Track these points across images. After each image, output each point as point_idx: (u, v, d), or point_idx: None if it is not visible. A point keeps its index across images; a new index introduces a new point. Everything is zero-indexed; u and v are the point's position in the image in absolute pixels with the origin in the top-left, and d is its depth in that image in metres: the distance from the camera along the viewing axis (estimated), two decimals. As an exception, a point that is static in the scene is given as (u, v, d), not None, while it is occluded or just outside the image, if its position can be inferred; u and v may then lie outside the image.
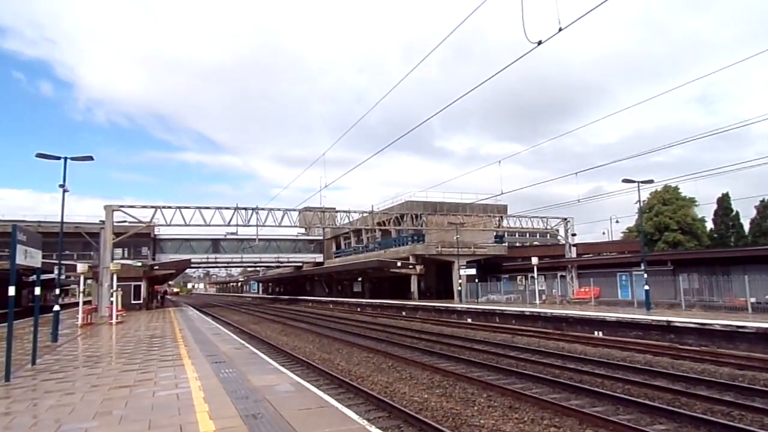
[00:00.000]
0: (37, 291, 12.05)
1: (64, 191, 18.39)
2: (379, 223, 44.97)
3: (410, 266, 42.22)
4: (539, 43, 8.27)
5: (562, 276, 38.51)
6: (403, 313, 34.79)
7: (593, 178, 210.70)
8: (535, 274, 33.13)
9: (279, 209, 39.33)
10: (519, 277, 40.16)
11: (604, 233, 69.71)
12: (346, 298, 51.74)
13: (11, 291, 9.25)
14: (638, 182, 25.54)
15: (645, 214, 49.20)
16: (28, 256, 9.78)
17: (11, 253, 9.18)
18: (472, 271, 38.15)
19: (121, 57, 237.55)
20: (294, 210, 41.02)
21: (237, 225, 38.29)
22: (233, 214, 37.74)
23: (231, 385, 8.14)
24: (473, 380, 11.66)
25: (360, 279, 55.09)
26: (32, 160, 17.28)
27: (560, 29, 8.26)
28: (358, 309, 42.25)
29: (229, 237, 52.18)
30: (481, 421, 8.65)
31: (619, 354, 15.12)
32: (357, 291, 55.86)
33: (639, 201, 30.48)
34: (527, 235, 76.97)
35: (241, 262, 62.96)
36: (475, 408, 9.59)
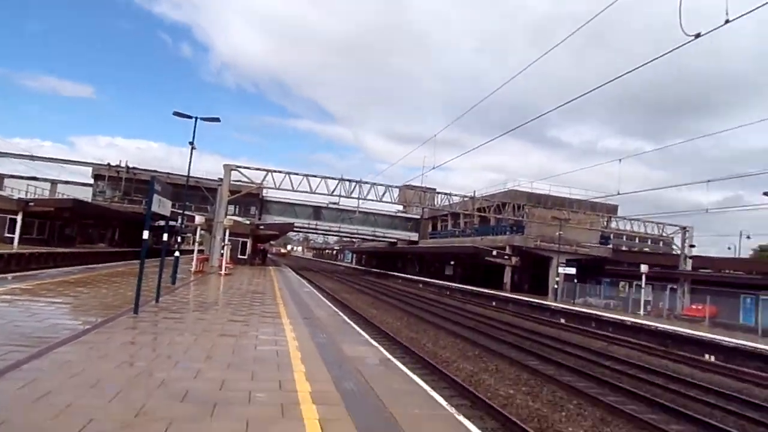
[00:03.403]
0: (165, 237, 13.37)
1: (192, 148, 20.08)
2: (478, 209, 44.17)
3: (506, 257, 41.18)
4: (697, 35, 7.34)
5: (672, 288, 35.43)
6: (493, 303, 34.14)
7: (729, 186, 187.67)
8: (643, 283, 30.80)
9: (381, 184, 40.07)
10: (622, 284, 37.59)
11: (729, 248, 62.78)
12: (437, 279, 51.81)
13: (145, 235, 10.33)
14: (781, 196, 22.59)
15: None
16: (161, 205, 10.84)
17: (148, 201, 10.23)
18: (572, 271, 36.32)
19: (252, 25, 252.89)
20: (395, 187, 41.59)
21: (340, 195, 39.65)
22: (337, 184, 39.07)
23: (325, 350, 8.50)
24: (563, 384, 11.20)
25: (453, 263, 54.79)
26: (167, 115, 19.07)
27: (727, 21, 7.17)
28: (448, 292, 42.14)
29: (330, 206, 54.15)
30: (570, 429, 8.31)
31: (734, 384, 13.67)
32: (448, 274, 55.64)
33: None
34: (637, 240, 71.57)
35: (339, 231, 65.20)
36: (564, 414, 9.22)
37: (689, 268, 39.91)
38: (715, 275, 37.64)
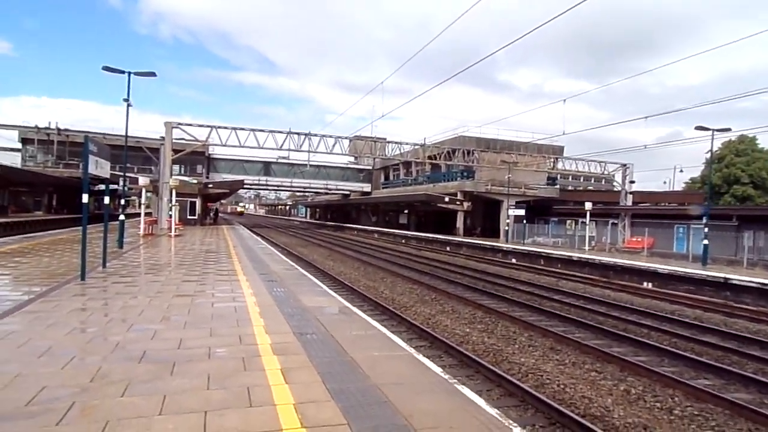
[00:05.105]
0: (107, 200, 12.79)
1: (128, 105, 18.99)
2: (430, 157, 44.46)
3: (458, 202, 41.97)
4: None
5: (614, 223, 37.37)
6: (448, 249, 35.04)
7: (669, 123, 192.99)
8: (587, 220, 32.27)
9: (331, 136, 39.41)
10: (568, 221, 39.26)
11: (665, 182, 66.39)
12: (392, 228, 52.45)
13: (85, 198, 9.82)
14: (713, 130, 23.80)
15: (714, 165, 46.22)
16: (99, 167, 10.28)
17: (84, 162, 9.67)
18: (521, 212, 37.55)
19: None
20: (345, 138, 41.02)
21: (289, 150, 38.87)
22: (286, 138, 38.18)
23: (283, 303, 8.54)
24: (515, 319, 11.78)
25: (406, 211, 55.43)
26: (99, 72, 17.85)
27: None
28: (403, 241, 42.84)
29: (280, 161, 53.12)
30: (522, 360, 8.81)
31: (668, 307, 14.80)
32: (402, 223, 56.39)
33: (711, 150, 28.55)
34: (582, 179, 74.35)
35: (291, 186, 64.30)
36: (516, 346, 9.74)
37: (629, 203, 42.07)
38: (652, 208, 39.92)
